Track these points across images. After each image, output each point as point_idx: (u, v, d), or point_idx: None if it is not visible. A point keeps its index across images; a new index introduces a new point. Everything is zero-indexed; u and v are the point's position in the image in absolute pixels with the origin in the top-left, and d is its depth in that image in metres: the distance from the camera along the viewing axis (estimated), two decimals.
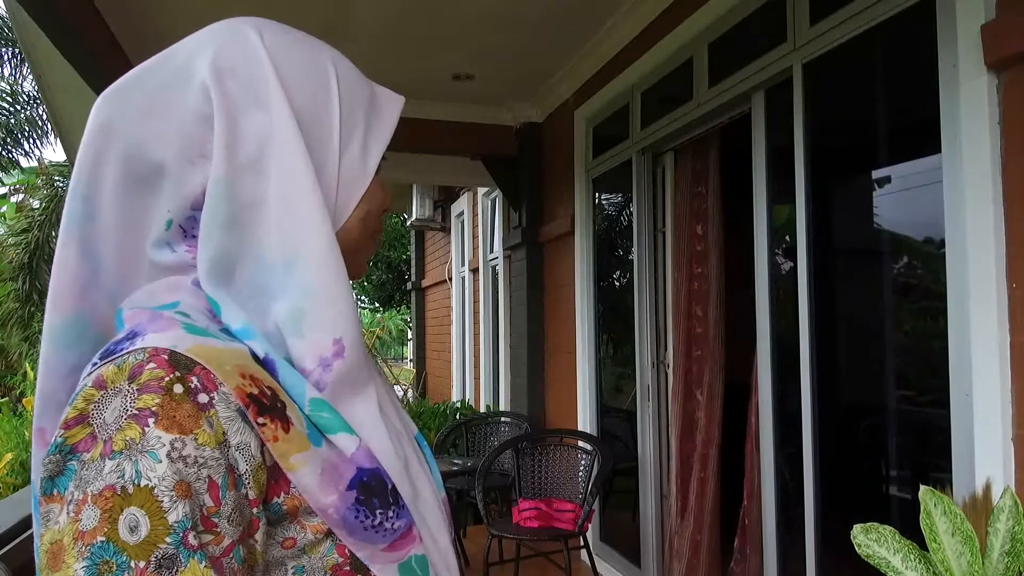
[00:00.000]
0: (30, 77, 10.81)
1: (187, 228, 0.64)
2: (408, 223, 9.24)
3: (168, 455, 0.51)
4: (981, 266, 1.78)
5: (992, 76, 1.76)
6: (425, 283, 9.78)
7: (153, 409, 0.52)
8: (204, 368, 0.55)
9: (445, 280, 8.54)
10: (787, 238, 2.60)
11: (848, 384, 2.49)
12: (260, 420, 0.56)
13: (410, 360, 13.40)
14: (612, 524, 4.05)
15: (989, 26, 1.74)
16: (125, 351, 0.56)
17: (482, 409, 6.86)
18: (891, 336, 2.24)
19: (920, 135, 2.06)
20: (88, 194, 0.63)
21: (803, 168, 2.39)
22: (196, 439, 0.52)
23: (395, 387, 10.71)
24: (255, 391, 0.57)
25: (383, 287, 13.38)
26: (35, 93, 12.13)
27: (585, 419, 4.18)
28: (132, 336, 0.58)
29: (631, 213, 3.71)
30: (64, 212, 0.64)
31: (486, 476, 3.81)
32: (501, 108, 4.90)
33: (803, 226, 2.38)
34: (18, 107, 13.09)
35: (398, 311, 16.04)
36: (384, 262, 12.94)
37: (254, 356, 0.61)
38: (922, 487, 1.46)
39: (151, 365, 0.54)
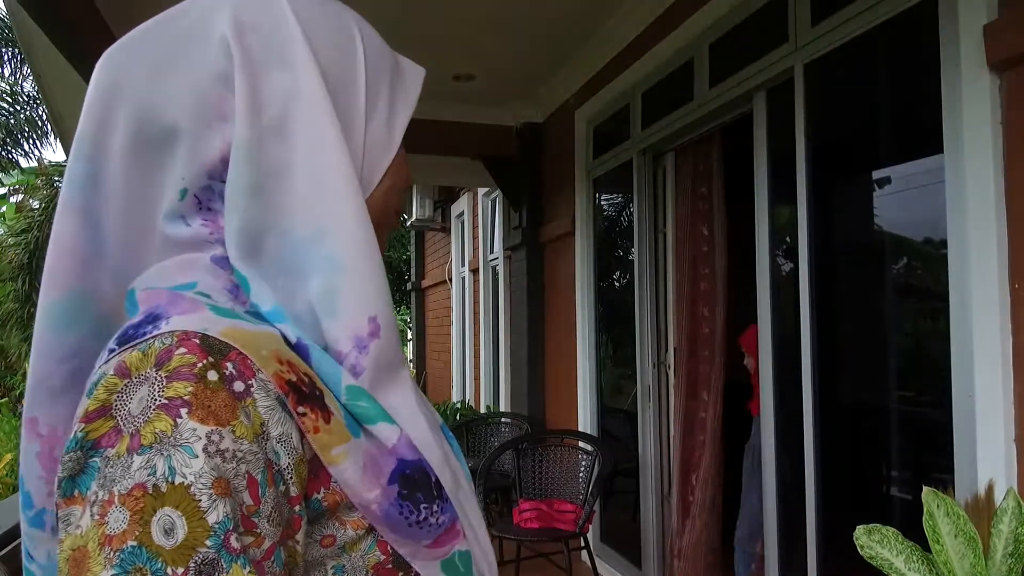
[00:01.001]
0: (30, 77, 10.80)
1: (203, 199, 0.58)
2: (408, 223, 9.23)
3: (205, 449, 0.45)
4: (983, 266, 1.77)
5: (994, 76, 1.75)
6: (425, 283, 9.78)
7: (186, 398, 0.46)
8: (240, 353, 0.50)
9: (445, 280, 8.54)
10: (788, 239, 2.59)
11: (850, 385, 2.49)
12: (300, 409, 0.51)
13: (410, 360, 13.38)
14: (613, 525, 4.04)
15: (992, 26, 1.74)
16: (149, 335, 0.51)
17: (482, 409, 6.85)
18: (893, 337, 2.23)
19: (922, 135, 2.05)
20: (93, 157, 0.57)
21: (805, 168, 2.38)
22: (234, 431, 0.47)
23: None
24: (293, 378, 0.52)
25: None
26: (35, 93, 12.14)
27: (585, 420, 4.18)
28: (154, 319, 0.52)
29: (632, 214, 3.70)
30: (64, 178, 0.58)
31: (486, 477, 3.81)
32: (502, 108, 4.90)
33: (804, 226, 2.38)
34: (18, 107, 13.09)
35: (398, 312, 16.05)
36: (384, 262, 12.90)
37: (286, 340, 0.55)
38: (925, 488, 1.46)
39: (181, 350, 0.49)
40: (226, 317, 0.53)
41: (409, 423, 0.58)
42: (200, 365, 0.48)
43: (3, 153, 13.01)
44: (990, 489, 1.60)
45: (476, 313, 7.37)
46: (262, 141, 0.56)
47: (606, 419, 4.14)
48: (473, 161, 5.10)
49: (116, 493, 0.44)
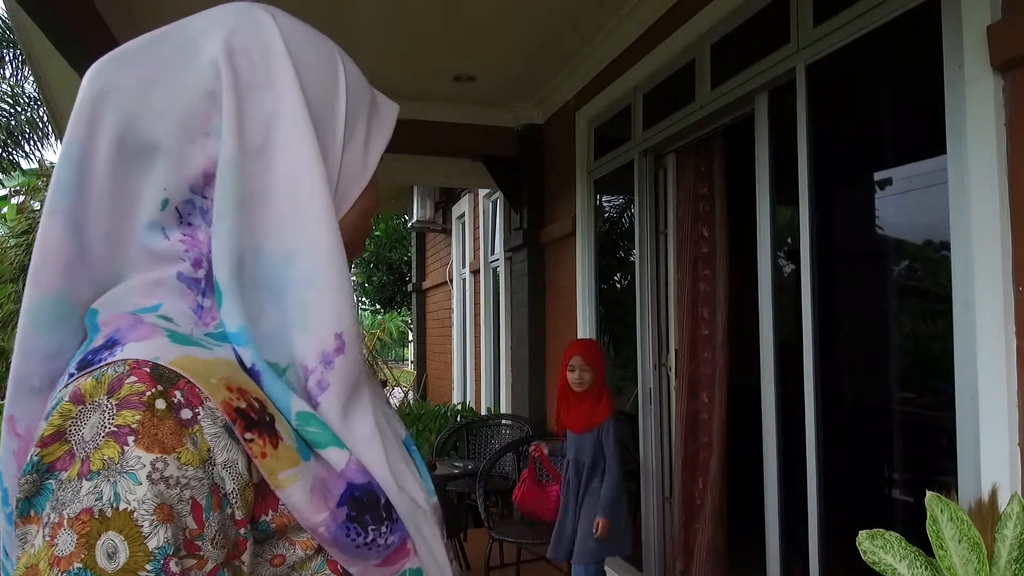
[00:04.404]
0: (31, 79, 10.81)
1: (184, 213, 0.60)
2: (409, 224, 9.23)
3: (149, 476, 0.48)
4: (987, 269, 1.76)
5: (998, 77, 1.74)
6: (426, 285, 9.77)
7: (133, 426, 0.49)
8: (189, 382, 0.52)
9: (446, 282, 8.53)
10: (790, 240, 2.58)
11: (852, 387, 2.48)
12: (248, 436, 0.54)
13: (411, 362, 13.39)
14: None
15: (995, 27, 1.72)
16: (104, 362, 0.53)
17: (483, 411, 6.84)
18: (895, 339, 2.22)
19: (924, 137, 2.04)
20: (79, 164, 0.59)
21: (807, 170, 2.37)
22: (179, 458, 0.49)
23: (396, 388, 10.74)
24: (243, 405, 0.54)
25: (384, 288, 13.35)
26: (36, 95, 12.14)
27: None
28: (112, 345, 0.55)
29: (632, 215, 3.69)
30: (51, 181, 0.60)
31: (487, 479, 3.79)
32: (502, 109, 4.89)
33: (806, 228, 2.37)
34: (19, 109, 13.08)
35: (399, 313, 16.03)
36: (385, 263, 12.92)
37: (241, 364, 0.57)
38: (928, 493, 1.44)
39: (132, 379, 0.51)
40: (181, 344, 0.55)
41: (364, 445, 0.60)
42: (149, 394, 0.51)
43: (4, 155, 13.01)
44: (994, 493, 1.58)
45: (477, 314, 7.36)
46: (248, 159, 0.59)
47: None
48: (474, 162, 5.10)
49: (66, 516, 0.47)
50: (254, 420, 0.54)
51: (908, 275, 2.22)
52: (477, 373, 7.42)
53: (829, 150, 2.39)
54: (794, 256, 2.48)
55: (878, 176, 2.33)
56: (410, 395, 9.99)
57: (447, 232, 8.58)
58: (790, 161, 2.43)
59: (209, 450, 0.51)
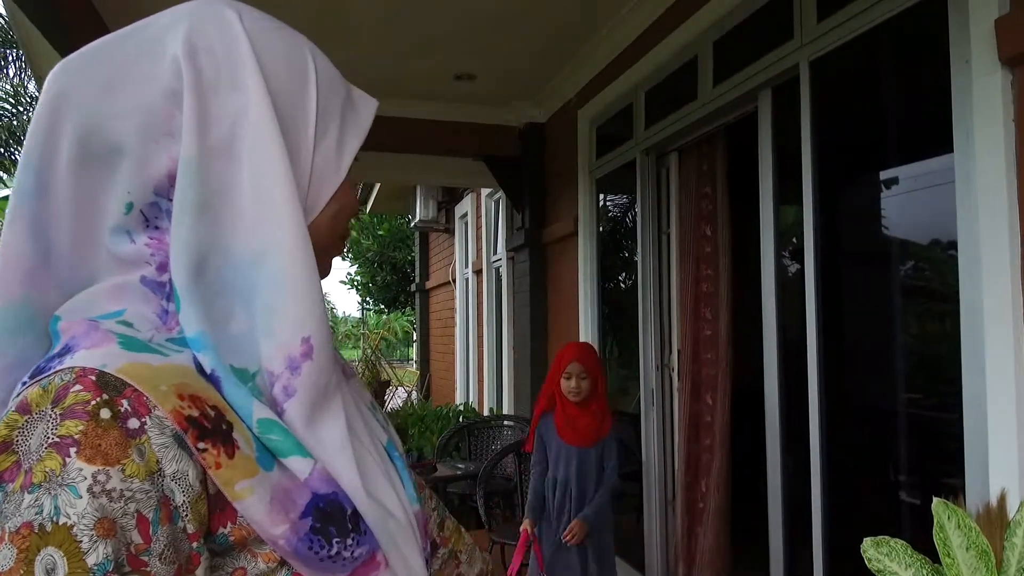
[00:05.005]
0: (33, 79, 10.82)
1: (150, 216, 0.59)
2: (412, 224, 9.20)
3: (90, 489, 0.46)
4: (995, 268, 1.72)
5: (1007, 72, 1.70)
6: (429, 284, 9.75)
7: (76, 437, 0.47)
8: (135, 390, 0.51)
9: (449, 282, 8.50)
10: (794, 240, 2.55)
11: (857, 390, 2.44)
12: (200, 445, 0.52)
13: (415, 362, 13.38)
14: (616, 529, 3.98)
15: (1004, 20, 1.68)
16: (53, 370, 0.52)
17: (486, 411, 6.81)
18: (901, 340, 2.18)
19: (931, 133, 2.00)
20: (40, 168, 0.58)
21: (811, 168, 2.33)
22: (123, 470, 0.48)
23: (399, 389, 10.71)
24: (195, 413, 0.52)
25: (388, 288, 13.35)
26: (37, 94, 12.16)
27: None
28: (64, 352, 0.53)
29: (635, 214, 3.66)
30: (13, 186, 0.59)
31: (488, 481, 3.76)
32: (503, 108, 4.85)
33: (810, 227, 2.33)
34: (20, 108, 13.12)
35: (403, 313, 16.02)
36: (389, 263, 12.92)
37: (201, 370, 0.56)
38: (935, 500, 1.40)
39: (77, 387, 0.50)
40: (133, 351, 0.53)
41: (332, 453, 0.58)
42: (94, 403, 0.49)
43: (6, 154, 13.05)
44: (1002, 499, 1.54)
45: (480, 314, 7.34)
46: (209, 160, 0.57)
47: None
48: (475, 161, 5.06)
49: (7, 530, 0.46)
50: (208, 429, 0.53)
51: (914, 275, 2.18)
52: (480, 373, 7.39)
53: (833, 147, 2.35)
54: (798, 255, 2.44)
55: (883, 175, 2.29)
56: (414, 395, 9.97)
57: (450, 232, 8.55)
58: (794, 159, 2.40)
59: (157, 461, 0.50)
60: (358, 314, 22.12)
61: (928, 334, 2.10)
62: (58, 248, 0.59)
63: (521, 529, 2.85)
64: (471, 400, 7.55)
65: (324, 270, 0.68)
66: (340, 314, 25.41)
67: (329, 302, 23.17)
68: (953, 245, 1.85)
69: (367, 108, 0.69)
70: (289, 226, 0.58)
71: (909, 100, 2.16)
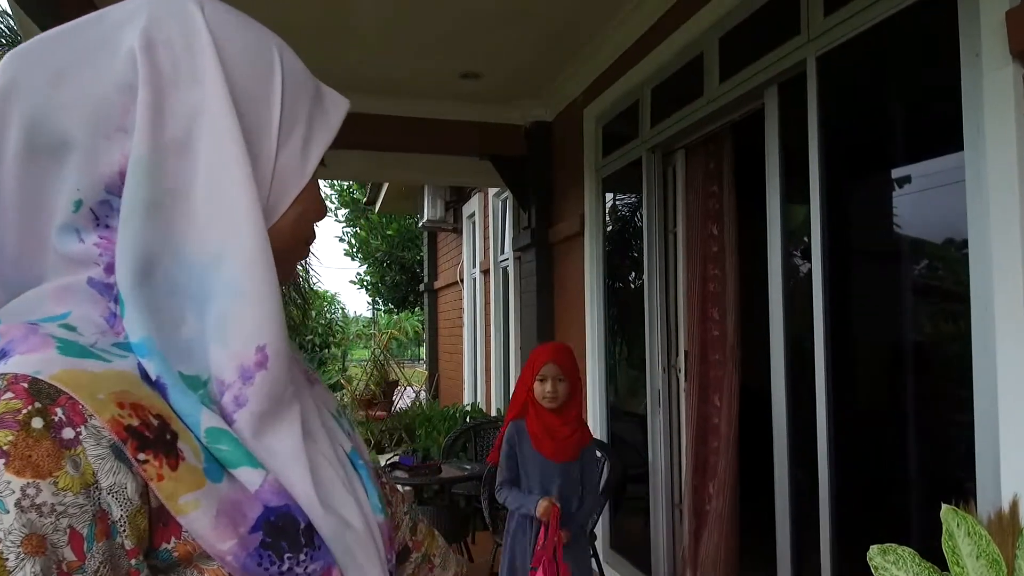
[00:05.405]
0: None
1: (100, 215, 0.56)
2: (420, 224, 9.19)
3: (18, 504, 0.43)
4: (1006, 267, 1.67)
5: (1018, 66, 1.65)
6: (438, 284, 9.74)
7: (5, 448, 0.44)
8: (71, 398, 0.48)
9: (457, 281, 8.48)
10: (802, 238, 2.50)
11: (866, 392, 2.39)
12: (141, 457, 0.49)
13: (422, 361, 13.38)
14: (622, 532, 3.96)
15: (1015, 12, 1.63)
16: None
17: (493, 412, 6.79)
18: (911, 341, 2.14)
19: (941, 130, 1.96)
20: None
21: (818, 165, 2.29)
22: (56, 483, 0.45)
23: (407, 388, 10.70)
24: (135, 423, 0.49)
25: (397, 288, 13.37)
26: None
27: (594, 424, 4.09)
28: (0, 357, 0.51)
29: (641, 213, 3.62)
30: None
31: (492, 482, 3.73)
32: (509, 107, 4.82)
33: (818, 226, 2.29)
34: None
35: (413, 312, 16.01)
36: (398, 263, 12.93)
37: (146, 377, 0.53)
38: (944, 507, 1.36)
39: (8, 395, 0.47)
40: (72, 357, 0.50)
41: (285, 464, 0.56)
42: (25, 412, 0.46)
43: None
44: (1014, 505, 1.50)
45: (487, 314, 7.31)
46: (163, 157, 0.55)
47: (616, 423, 4.06)
48: (482, 161, 5.03)
49: None
50: (149, 439, 0.50)
51: (924, 275, 2.13)
52: (488, 373, 7.37)
53: (841, 144, 2.31)
54: (806, 254, 2.40)
55: (892, 172, 2.24)
56: (422, 395, 9.96)
57: (458, 232, 8.53)
58: (801, 156, 2.36)
59: (93, 473, 0.47)
60: (369, 314, 22.16)
61: (938, 335, 2.05)
62: (4, 246, 0.56)
63: (543, 508, 2.45)
64: (479, 400, 7.52)
65: (286, 275, 0.65)
66: (351, 314, 25.49)
67: (340, 303, 23.23)
68: (964, 244, 1.81)
69: (337, 108, 0.66)
70: (247, 228, 0.55)
71: (918, 96, 2.11)
